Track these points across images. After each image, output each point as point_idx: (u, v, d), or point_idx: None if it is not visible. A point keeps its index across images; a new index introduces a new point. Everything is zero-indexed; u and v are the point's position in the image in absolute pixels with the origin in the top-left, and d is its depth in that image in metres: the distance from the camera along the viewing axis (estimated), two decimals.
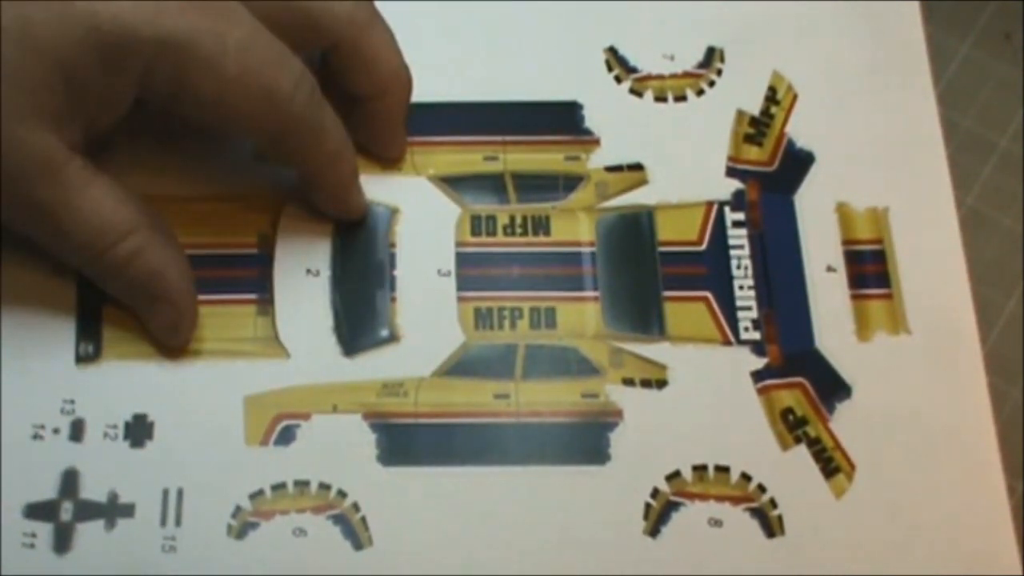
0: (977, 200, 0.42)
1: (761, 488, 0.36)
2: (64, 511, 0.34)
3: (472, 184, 0.39)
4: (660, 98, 0.41)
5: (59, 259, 0.35)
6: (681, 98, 0.41)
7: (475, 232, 0.39)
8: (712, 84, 0.41)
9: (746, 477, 0.36)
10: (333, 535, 0.35)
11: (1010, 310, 0.40)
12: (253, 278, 0.38)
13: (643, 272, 0.38)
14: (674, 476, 0.36)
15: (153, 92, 0.34)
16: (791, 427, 0.37)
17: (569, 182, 0.40)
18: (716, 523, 0.35)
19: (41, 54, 0.32)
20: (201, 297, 0.36)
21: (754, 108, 0.41)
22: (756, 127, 0.41)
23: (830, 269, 0.39)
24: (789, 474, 0.36)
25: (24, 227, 0.35)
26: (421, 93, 0.40)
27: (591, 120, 0.40)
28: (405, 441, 0.36)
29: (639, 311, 0.38)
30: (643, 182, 0.40)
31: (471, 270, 0.38)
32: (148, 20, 0.32)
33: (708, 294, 0.38)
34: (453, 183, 0.39)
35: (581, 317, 0.38)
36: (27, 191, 0.33)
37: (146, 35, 0.32)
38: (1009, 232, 0.41)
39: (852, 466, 0.36)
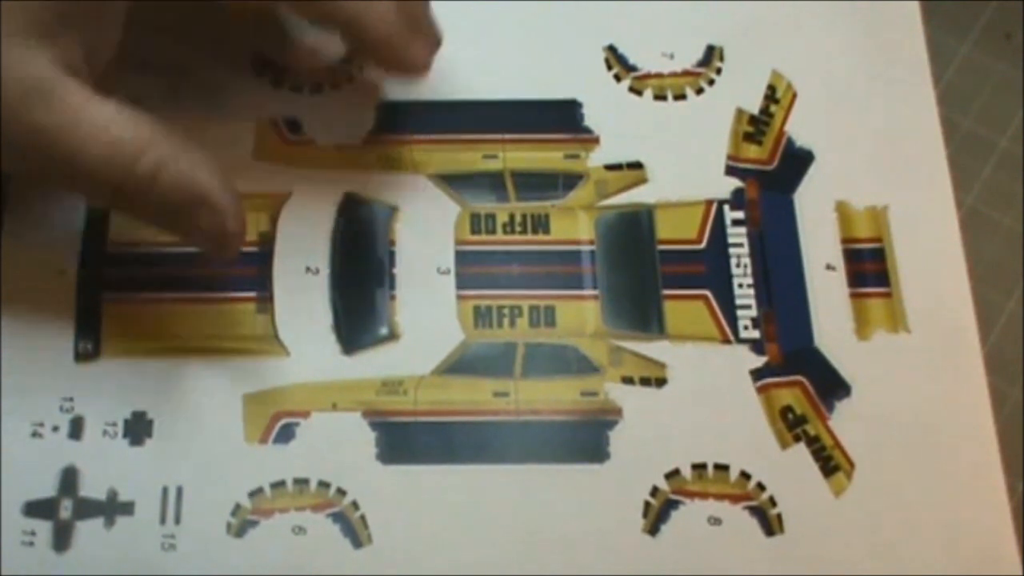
0: (977, 200, 0.41)
1: (760, 486, 0.36)
2: (63, 509, 0.34)
3: (472, 182, 0.39)
4: (659, 96, 0.41)
5: (87, 198, 0.33)
6: (680, 96, 0.41)
7: (475, 230, 0.39)
8: (711, 83, 0.41)
9: (745, 475, 0.36)
10: (332, 533, 0.35)
11: (1010, 310, 0.40)
12: (252, 276, 0.38)
13: (642, 270, 0.38)
14: (673, 474, 0.36)
15: None
16: (790, 425, 0.37)
17: (569, 180, 0.40)
18: (715, 521, 0.35)
19: None
20: (200, 295, 0.37)
21: (753, 107, 0.41)
22: (755, 126, 0.41)
23: (829, 268, 0.39)
24: (788, 472, 0.36)
25: (34, 166, 0.32)
26: (421, 92, 0.40)
27: (590, 118, 0.40)
28: (404, 439, 0.36)
29: (638, 309, 0.38)
30: (642, 180, 0.40)
31: (471, 268, 0.38)
32: None
33: (707, 292, 0.38)
34: (453, 181, 0.39)
35: (580, 315, 0.38)
36: (28, 118, 0.30)
37: None
38: (1009, 232, 0.41)
39: (851, 465, 0.36)
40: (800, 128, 0.40)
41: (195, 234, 0.33)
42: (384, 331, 0.37)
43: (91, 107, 0.31)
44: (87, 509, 0.34)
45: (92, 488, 0.35)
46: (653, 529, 0.35)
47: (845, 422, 0.37)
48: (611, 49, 0.42)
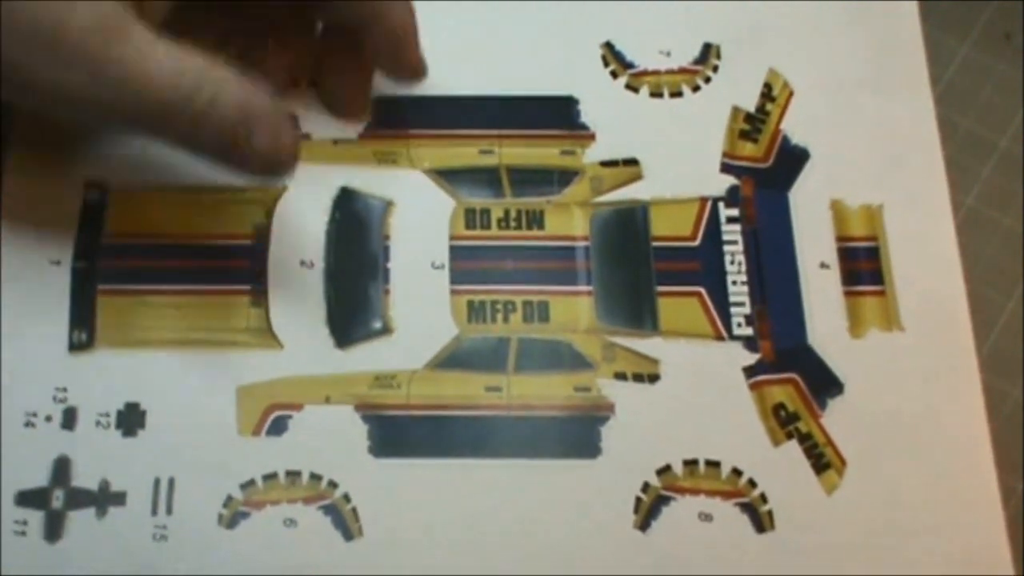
0: (977, 200, 0.41)
1: (752, 483, 0.36)
2: (55, 499, 0.35)
3: (467, 177, 0.39)
4: (656, 94, 0.41)
5: (147, 131, 0.34)
6: (677, 94, 0.41)
7: (469, 225, 0.39)
8: (708, 80, 0.41)
9: (737, 472, 0.36)
10: (324, 525, 0.35)
11: (1010, 310, 0.40)
12: (247, 269, 0.38)
13: (637, 267, 0.38)
14: (665, 470, 0.36)
15: None
16: (783, 423, 0.37)
17: (564, 176, 0.40)
18: (706, 518, 0.35)
19: None
20: (195, 287, 0.37)
21: (750, 104, 0.41)
22: (751, 123, 0.40)
23: (824, 265, 0.39)
24: (780, 469, 0.36)
25: (104, 98, 0.33)
26: (418, 86, 0.40)
27: (587, 115, 0.40)
28: (397, 433, 0.36)
29: (632, 306, 0.38)
30: (638, 177, 0.40)
31: (465, 263, 0.38)
32: None
33: (701, 289, 0.38)
34: (448, 176, 0.39)
35: (574, 311, 0.38)
36: (103, 51, 0.32)
37: None
38: (1009, 232, 0.41)
39: (843, 462, 0.36)
40: (796, 126, 0.40)
41: (251, 158, 0.34)
42: (378, 325, 0.37)
43: (157, 43, 0.32)
44: (79, 499, 0.35)
45: (84, 478, 0.35)
46: (644, 525, 0.35)
47: (837, 420, 0.37)
48: (608, 46, 0.42)
